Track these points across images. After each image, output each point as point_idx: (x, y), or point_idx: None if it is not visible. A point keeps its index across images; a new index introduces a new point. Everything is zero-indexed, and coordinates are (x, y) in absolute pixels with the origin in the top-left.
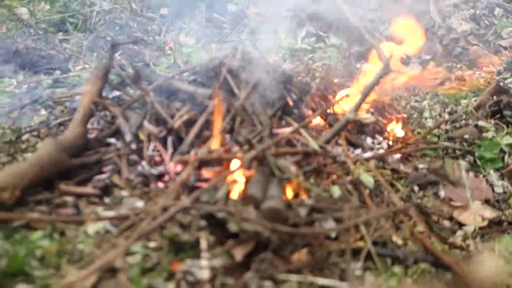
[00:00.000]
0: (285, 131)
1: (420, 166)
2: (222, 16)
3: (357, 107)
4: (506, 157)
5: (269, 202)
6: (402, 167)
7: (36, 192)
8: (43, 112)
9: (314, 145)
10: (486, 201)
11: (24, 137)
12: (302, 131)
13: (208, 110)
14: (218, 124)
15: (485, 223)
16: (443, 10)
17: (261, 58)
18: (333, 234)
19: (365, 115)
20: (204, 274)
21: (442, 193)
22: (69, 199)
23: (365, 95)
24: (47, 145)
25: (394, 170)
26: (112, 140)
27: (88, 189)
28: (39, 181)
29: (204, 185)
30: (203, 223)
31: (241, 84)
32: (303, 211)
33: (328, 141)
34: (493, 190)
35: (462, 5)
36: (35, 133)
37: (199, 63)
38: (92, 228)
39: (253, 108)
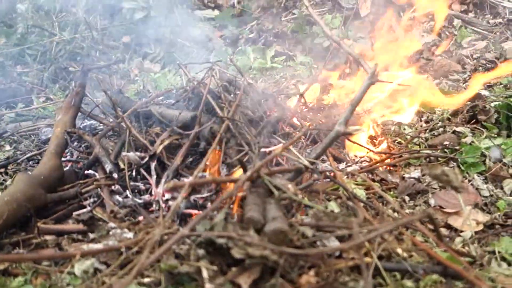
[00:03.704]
0: (276, 149)
1: (406, 175)
2: (186, 40)
3: (346, 120)
4: (487, 160)
5: (273, 223)
6: (390, 177)
7: (11, 233)
8: (7, 147)
9: (304, 161)
10: (475, 205)
11: None
12: (291, 148)
13: (192, 134)
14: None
15: (480, 227)
16: (404, 24)
17: (239, 78)
18: (336, 252)
19: (354, 127)
20: None
21: (432, 201)
22: (49, 238)
23: (354, 107)
24: (19, 181)
25: (382, 181)
26: (90, 172)
27: (71, 225)
28: (14, 220)
29: (194, 211)
30: (201, 252)
31: (223, 105)
32: (309, 231)
33: (318, 157)
34: (479, 194)
35: (422, 18)
36: (1, 169)
37: (169, 87)
38: (79, 267)
39: (238, 128)
